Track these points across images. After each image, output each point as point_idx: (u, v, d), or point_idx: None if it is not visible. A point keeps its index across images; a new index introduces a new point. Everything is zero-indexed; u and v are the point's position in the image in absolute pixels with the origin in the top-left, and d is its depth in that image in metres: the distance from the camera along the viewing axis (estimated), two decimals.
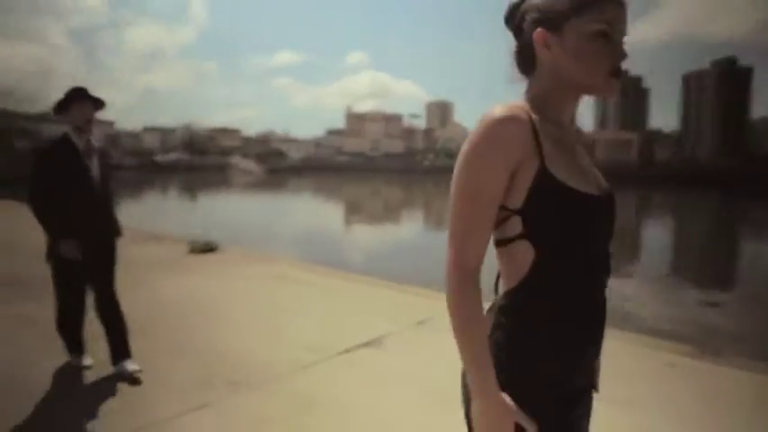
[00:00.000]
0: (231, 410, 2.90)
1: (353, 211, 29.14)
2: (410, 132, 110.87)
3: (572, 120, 1.15)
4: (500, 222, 1.05)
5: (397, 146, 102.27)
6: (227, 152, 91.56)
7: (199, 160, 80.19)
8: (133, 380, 3.19)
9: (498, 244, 1.07)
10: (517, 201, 1.02)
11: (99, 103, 3.35)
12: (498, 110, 1.00)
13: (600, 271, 1.09)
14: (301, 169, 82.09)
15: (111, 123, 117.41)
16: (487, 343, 1.01)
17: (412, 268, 11.25)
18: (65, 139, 3.28)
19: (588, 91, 1.08)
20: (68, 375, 3.30)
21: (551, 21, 1.05)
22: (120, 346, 3.30)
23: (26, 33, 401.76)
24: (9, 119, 73.75)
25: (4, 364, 3.46)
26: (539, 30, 1.06)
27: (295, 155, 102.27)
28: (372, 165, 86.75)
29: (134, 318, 3.59)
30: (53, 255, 3.21)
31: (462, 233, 1.02)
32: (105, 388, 3.12)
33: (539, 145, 1.01)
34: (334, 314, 4.79)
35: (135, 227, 8.65)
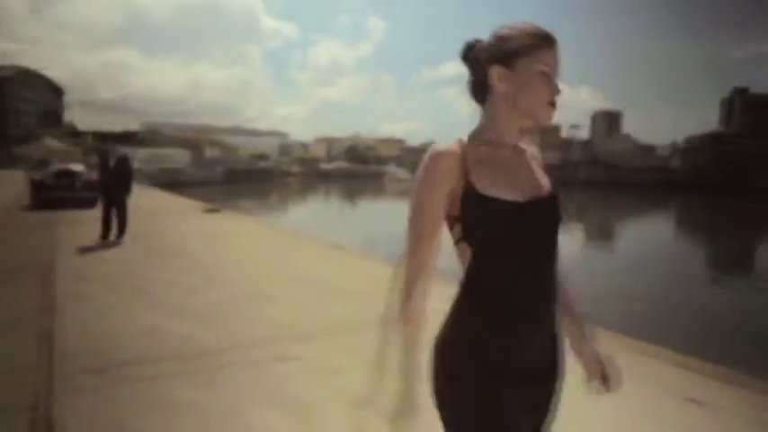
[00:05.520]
0: None
1: None
2: (568, 143, 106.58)
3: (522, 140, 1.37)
4: (452, 227, 1.29)
5: (553, 157, 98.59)
6: (384, 161, 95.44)
7: (358, 168, 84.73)
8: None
9: (455, 243, 1.30)
10: (457, 210, 1.26)
11: (114, 139, 11.37)
12: (436, 147, 1.27)
13: (536, 265, 1.27)
14: None
15: (285, 134, 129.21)
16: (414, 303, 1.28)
17: None
18: (102, 153, 9.71)
19: (530, 116, 1.29)
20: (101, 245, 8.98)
21: (506, 59, 1.27)
22: (121, 228, 9.41)
23: (233, 57, 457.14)
24: (205, 132, 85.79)
25: None
26: (495, 66, 1.28)
27: None
28: None
29: None
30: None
31: (414, 239, 1.29)
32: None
33: (465, 167, 1.25)
34: None
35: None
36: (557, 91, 1.26)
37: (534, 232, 1.26)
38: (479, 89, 1.33)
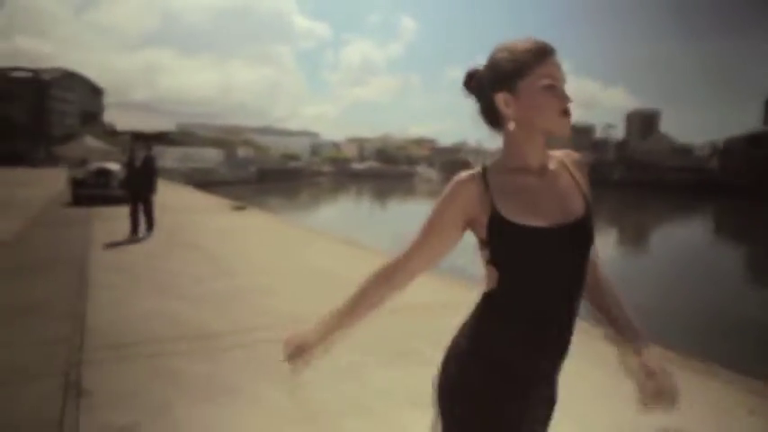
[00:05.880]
0: None
1: None
2: (603, 144, 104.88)
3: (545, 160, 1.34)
4: (482, 248, 1.32)
5: (586, 158, 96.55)
6: (415, 162, 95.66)
7: (388, 169, 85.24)
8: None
9: (485, 264, 1.33)
10: (484, 235, 1.28)
11: (141, 137, 11.74)
12: (461, 174, 1.31)
13: (561, 289, 1.27)
14: None
15: (316, 135, 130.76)
16: (352, 310, 1.42)
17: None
18: (131, 152, 10.50)
19: (546, 132, 1.28)
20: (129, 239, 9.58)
21: (507, 84, 1.26)
22: (149, 224, 10.12)
23: (266, 58, 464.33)
24: (237, 133, 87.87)
25: None
26: (499, 94, 1.27)
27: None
28: None
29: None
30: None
31: (415, 246, 1.34)
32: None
33: (489, 195, 1.26)
34: None
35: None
36: (566, 100, 1.25)
37: (559, 258, 1.26)
38: (492, 116, 1.33)
